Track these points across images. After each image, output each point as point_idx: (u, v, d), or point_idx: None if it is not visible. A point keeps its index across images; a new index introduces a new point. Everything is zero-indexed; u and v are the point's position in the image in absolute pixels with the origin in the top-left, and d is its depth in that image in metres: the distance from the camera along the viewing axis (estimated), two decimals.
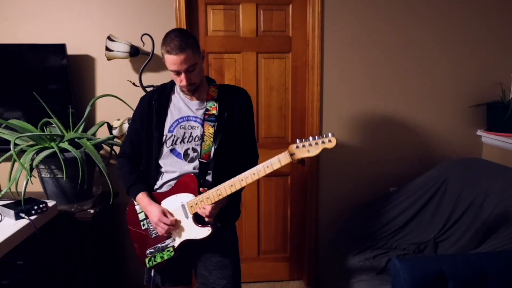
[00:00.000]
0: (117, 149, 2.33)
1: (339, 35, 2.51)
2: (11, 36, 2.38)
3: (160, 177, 1.71)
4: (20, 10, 2.38)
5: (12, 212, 1.83)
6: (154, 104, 1.69)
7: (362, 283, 2.00)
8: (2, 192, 2.02)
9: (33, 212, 1.87)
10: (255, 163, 1.62)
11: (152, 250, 1.72)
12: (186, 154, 1.66)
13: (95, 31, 2.41)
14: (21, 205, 1.88)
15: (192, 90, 1.62)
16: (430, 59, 2.58)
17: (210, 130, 1.64)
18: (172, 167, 1.67)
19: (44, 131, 2.20)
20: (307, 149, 1.46)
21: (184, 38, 1.53)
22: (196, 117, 1.67)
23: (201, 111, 1.67)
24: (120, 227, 2.57)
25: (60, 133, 2.18)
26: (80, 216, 2.18)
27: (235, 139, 1.69)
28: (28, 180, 1.96)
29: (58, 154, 1.98)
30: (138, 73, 2.39)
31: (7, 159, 2.03)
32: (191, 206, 1.62)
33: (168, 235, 1.68)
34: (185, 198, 1.63)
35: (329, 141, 1.45)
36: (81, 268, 2.23)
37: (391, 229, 2.37)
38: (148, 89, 2.36)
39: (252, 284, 2.80)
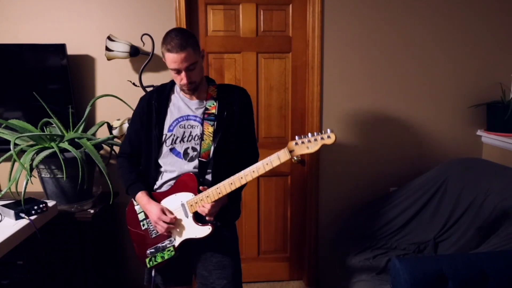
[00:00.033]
0: (117, 149, 2.33)
1: (339, 35, 2.51)
2: (11, 36, 2.38)
3: (160, 177, 1.71)
4: (20, 10, 2.38)
5: (12, 212, 1.83)
6: (154, 103, 1.70)
7: (362, 283, 2.00)
8: (2, 192, 2.02)
9: (33, 212, 1.87)
10: (255, 163, 1.62)
11: (153, 250, 1.72)
12: (186, 153, 1.66)
13: (95, 31, 2.41)
14: (21, 205, 1.88)
15: (193, 88, 1.62)
16: (430, 59, 2.58)
17: (209, 129, 1.65)
18: (172, 166, 1.67)
19: (44, 131, 2.20)
20: (306, 145, 1.46)
21: (185, 37, 1.54)
22: (195, 116, 1.67)
23: (201, 110, 1.68)
24: (120, 227, 2.57)
25: (60, 133, 2.18)
26: (80, 216, 2.18)
27: (234, 139, 1.69)
28: (28, 180, 1.96)
29: (58, 154, 1.98)
30: (138, 73, 2.39)
31: (7, 159, 2.03)
32: (191, 205, 1.62)
33: (169, 234, 1.68)
34: (185, 197, 1.64)
35: (328, 137, 1.44)
36: (81, 268, 2.23)
37: (391, 229, 2.37)
38: (148, 89, 2.36)
39: (252, 284, 2.80)
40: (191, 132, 1.66)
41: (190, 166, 1.65)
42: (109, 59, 2.35)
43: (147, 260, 1.74)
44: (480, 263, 1.55)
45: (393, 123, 2.63)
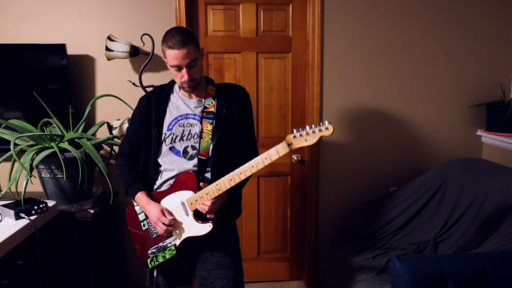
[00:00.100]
0: (117, 149, 2.33)
1: (339, 35, 2.51)
2: (11, 36, 2.38)
3: (160, 176, 1.72)
4: (20, 10, 2.38)
5: (12, 212, 1.83)
6: (153, 103, 1.70)
7: (362, 283, 2.00)
8: (2, 192, 2.02)
9: (33, 212, 1.87)
10: None
11: (154, 250, 1.71)
12: (185, 151, 1.66)
13: (95, 31, 2.41)
14: (21, 205, 1.88)
15: (193, 86, 1.63)
16: (430, 59, 2.58)
17: (208, 127, 1.65)
18: (171, 165, 1.68)
19: (44, 131, 2.20)
20: (305, 138, 1.46)
21: (185, 34, 1.57)
22: (194, 115, 1.68)
23: (200, 109, 1.69)
24: (120, 227, 2.57)
25: (60, 133, 2.18)
26: (80, 216, 2.18)
27: (233, 137, 1.70)
28: (28, 180, 1.96)
29: (58, 154, 1.98)
30: (138, 73, 2.39)
31: (7, 159, 2.03)
32: (191, 203, 1.62)
33: (169, 234, 1.68)
34: (185, 195, 1.64)
35: (326, 128, 1.44)
36: (81, 268, 2.23)
37: (391, 229, 2.37)
38: (148, 89, 2.37)
39: (252, 284, 2.80)
40: (190, 130, 1.67)
41: (190, 165, 1.66)
42: (109, 59, 2.35)
43: (148, 260, 1.73)
44: (480, 263, 1.55)
45: (393, 123, 2.63)
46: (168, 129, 1.68)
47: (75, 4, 2.39)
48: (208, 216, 1.61)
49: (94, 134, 2.34)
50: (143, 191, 1.70)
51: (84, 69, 2.45)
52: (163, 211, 1.64)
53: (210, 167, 1.65)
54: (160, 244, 1.71)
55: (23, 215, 1.84)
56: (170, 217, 1.63)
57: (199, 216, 1.64)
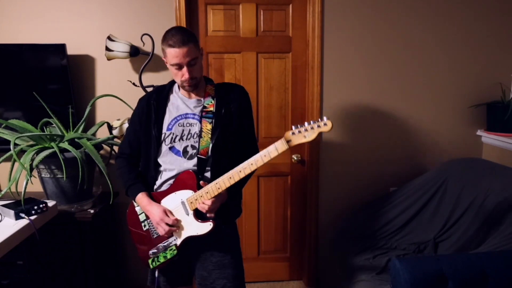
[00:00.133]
0: (117, 149, 2.33)
1: (339, 35, 2.51)
2: (11, 36, 2.38)
3: (160, 176, 1.72)
4: (20, 10, 2.38)
5: (12, 212, 1.83)
6: (153, 103, 1.71)
7: (362, 283, 2.00)
8: (2, 192, 2.02)
9: (33, 212, 1.87)
10: None
11: (155, 250, 1.71)
12: (185, 151, 1.67)
13: (95, 31, 2.41)
14: (21, 205, 1.88)
15: (193, 85, 1.64)
16: (430, 59, 2.58)
17: (207, 126, 1.65)
18: (171, 165, 1.68)
19: (44, 131, 2.20)
20: (303, 134, 1.46)
21: (186, 33, 1.58)
22: (194, 114, 1.68)
23: (199, 109, 1.69)
24: (120, 227, 2.57)
25: (60, 133, 2.18)
26: (80, 216, 2.18)
27: (233, 136, 1.70)
28: (28, 180, 1.96)
29: (58, 154, 1.98)
30: (138, 73, 2.39)
31: (7, 159, 2.03)
32: (191, 202, 1.62)
33: (170, 234, 1.68)
34: (185, 194, 1.64)
35: (325, 124, 1.43)
36: (81, 268, 2.23)
37: (391, 229, 2.37)
38: (148, 89, 2.37)
39: (252, 284, 2.80)
40: (190, 130, 1.67)
41: (190, 164, 1.66)
42: (109, 59, 2.35)
43: (149, 261, 1.73)
44: (480, 263, 1.55)
45: (393, 123, 2.63)
46: (168, 129, 1.68)
47: (75, 4, 2.39)
48: (208, 215, 1.61)
49: (94, 134, 2.34)
50: (143, 191, 1.70)
51: (84, 69, 2.45)
52: (166, 212, 1.64)
53: (210, 166, 1.65)
54: (161, 244, 1.71)
55: (23, 215, 1.84)
56: (173, 217, 1.64)
57: (199, 215, 1.64)
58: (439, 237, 2.24)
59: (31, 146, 2.09)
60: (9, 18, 2.38)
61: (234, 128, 1.69)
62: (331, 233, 2.62)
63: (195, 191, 1.61)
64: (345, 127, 2.62)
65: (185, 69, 1.58)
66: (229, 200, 1.67)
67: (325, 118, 1.43)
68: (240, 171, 1.54)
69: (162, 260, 1.70)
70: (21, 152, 2.06)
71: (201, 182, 1.60)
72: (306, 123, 1.45)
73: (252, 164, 1.53)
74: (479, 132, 2.66)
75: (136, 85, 2.40)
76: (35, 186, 2.20)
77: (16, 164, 1.98)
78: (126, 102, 2.23)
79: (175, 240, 1.68)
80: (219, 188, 1.56)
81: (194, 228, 1.64)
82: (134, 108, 1.81)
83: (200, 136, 1.65)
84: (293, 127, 1.46)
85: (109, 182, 2.10)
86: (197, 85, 1.66)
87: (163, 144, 1.68)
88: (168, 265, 1.73)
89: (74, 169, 2.06)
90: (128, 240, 2.57)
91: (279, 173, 2.71)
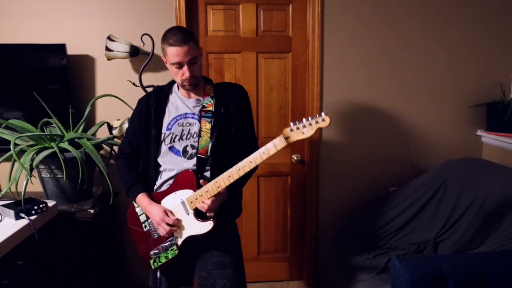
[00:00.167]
0: (117, 149, 2.33)
1: (339, 35, 2.51)
2: (11, 36, 2.38)
3: (159, 176, 1.72)
4: (20, 10, 2.38)
5: (12, 212, 1.83)
6: (152, 103, 1.71)
7: (362, 283, 2.00)
8: (2, 192, 2.02)
9: (33, 212, 1.87)
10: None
11: (156, 251, 1.71)
12: (185, 151, 1.67)
13: (95, 31, 2.41)
14: (21, 205, 1.88)
15: (194, 84, 1.64)
16: (430, 59, 2.58)
17: (207, 126, 1.65)
18: (171, 164, 1.68)
19: (44, 131, 2.20)
20: (302, 131, 1.46)
21: (186, 32, 1.60)
22: (193, 114, 1.69)
23: (198, 108, 1.70)
24: (120, 227, 2.57)
25: (60, 133, 2.18)
26: (80, 216, 2.18)
27: (232, 136, 1.70)
28: (28, 180, 1.96)
29: (58, 154, 1.98)
30: (138, 73, 2.39)
31: (7, 159, 2.03)
32: (191, 202, 1.62)
33: (171, 234, 1.68)
34: (185, 194, 1.64)
35: (323, 120, 1.43)
36: (81, 268, 2.23)
37: (391, 229, 2.37)
38: (148, 89, 2.37)
39: (252, 284, 2.80)
40: (189, 130, 1.67)
41: (189, 164, 1.66)
42: (109, 59, 2.35)
43: (151, 261, 1.73)
44: (480, 263, 1.55)
45: (393, 123, 2.63)
46: (168, 129, 1.68)
47: (75, 4, 2.39)
48: (208, 214, 1.61)
49: (94, 134, 2.34)
50: (143, 192, 1.70)
51: (84, 69, 2.45)
52: (166, 212, 1.64)
53: (210, 165, 1.65)
54: (162, 244, 1.70)
55: (23, 215, 1.84)
56: (173, 217, 1.64)
57: (199, 214, 1.64)
58: (439, 237, 2.24)
59: (31, 146, 2.09)
60: (9, 18, 2.38)
61: (233, 127, 1.70)
62: (331, 233, 2.62)
63: (195, 191, 1.61)
64: (345, 127, 2.62)
65: (185, 67, 1.59)
66: (230, 199, 1.67)
67: (323, 114, 1.43)
68: (239, 169, 1.54)
69: (163, 260, 1.70)
70: (21, 152, 2.06)
71: (201, 181, 1.60)
72: (304, 120, 1.45)
73: (251, 162, 1.53)
74: (479, 132, 2.66)
75: (136, 85, 2.40)
76: (35, 186, 2.20)
77: (16, 164, 1.98)
78: (126, 102, 2.23)
79: (176, 240, 1.68)
80: (218, 187, 1.56)
81: (195, 227, 1.64)
82: (134, 108, 1.81)
83: (199, 135, 1.65)
84: (291, 124, 1.46)
85: (109, 182, 2.10)
86: (197, 84, 1.66)
87: (163, 144, 1.68)
88: (169, 265, 1.73)
89: (74, 169, 2.06)
90: (128, 240, 2.57)
91: (279, 173, 2.71)
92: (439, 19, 2.54)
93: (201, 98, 1.71)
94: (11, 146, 1.92)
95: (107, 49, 2.32)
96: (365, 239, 2.34)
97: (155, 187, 1.74)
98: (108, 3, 2.41)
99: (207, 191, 1.58)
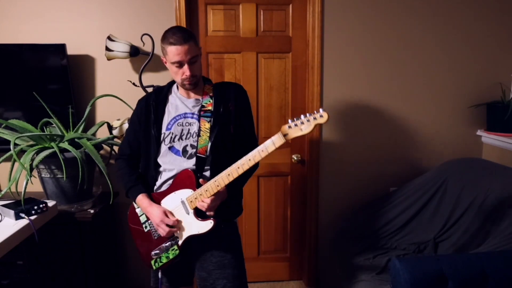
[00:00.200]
0: (117, 149, 2.33)
1: (339, 35, 2.51)
2: (11, 36, 2.38)
3: (159, 177, 1.72)
4: (20, 10, 2.38)
5: (12, 212, 1.83)
6: (152, 103, 1.72)
7: (362, 283, 2.00)
8: (2, 192, 2.02)
9: (33, 212, 1.87)
10: (257, 163, 1.63)
11: (157, 251, 1.71)
12: (184, 150, 1.67)
13: (95, 31, 2.41)
14: (21, 205, 1.88)
15: (194, 83, 1.65)
16: (430, 59, 2.58)
17: (206, 125, 1.66)
18: (171, 164, 1.68)
19: (44, 131, 2.20)
20: (300, 127, 1.45)
21: (186, 32, 1.61)
22: (192, 114, 1.69)
23: (197, 108, 1.70)
24: (120, 227, 2.57)
25: (60, 133, 2.18)
26: (80, 216, 2.18)
27: (232, 135, 1.70)
28: (28, 180, 1.96)
29: (58, 154, 1.98)
30: (138, 73, 2.39)
31: (7, 159, 2.03)
32: (191, 201, 1.62)
33: (171, 234, 1.68)
34: (184, 194, 1.64)
35: (321, 116, 1.43)
36: (81, 268, 2.23)
37: (391, 229, 2.37)
38: (148, 89, 2.37)
39: (252, 284, 2.80)
40: (189, 129, 1.67)
41: (189, 164, 1.66)
42: (109, 59, 2.35)
43: (152, 262, 1.73)
44: (480, 263, 1.55)
45: (393, 123, 2.63)
46: (167, 129, 1.68)
47: (75, 4, 2.39)
48: (207, 213, 1.60)
49: (94, 134, 2.34)
50: (144, 193, 1.70)
51: (84, 69, 2.45)
52: (166, 213, 1.64)
53: (209, 165, 1.65)
54: (163, 245, 1.70)
55: (23, 215, 1.84)
56: (173, 218, 1.64)
57: (199, 214, 1.63)
58: (439, 237, 2.24)
59: (31, 146, 2.09)
60: (9, 18, 2.38)
61: (232, 126, 1.70)
62: (331, 233, 2.62)
63: (194, 190, 1.61)
64: (345, 127, 2.62)
65: (186, 66, 1.59)
66: (230, 198, 1.66)
67: (321, 110, 1.43)
68: (238, 168, 1.54)
69: (164, 260, 1.70)
70: (21, 152, 2.06)
71: (200, 180, 1.60)
72: (302, 116, 1.45)
73: (250, 159, 1.53)
74: (479, 132, 2.66)
75: (136, 85, 2.40)
76: (35, 186, 2.20)
77: (16, 164, 1.98)
78: (126, 102, 2.23)
79: (176, 240, 1.68)
80: (218, 186, 1.56)
81: (195, 227, 1.64)
82: (134, 108, 1.81)
83: (198, 135, 1.66)
84: (289, 120, 1.46)
85: (109, 182, 2.10)
86: (197, 83, 1.67)
87: (163, 144, 1.68)
88: (170, 266, 1.73)
89: (74, 169, 2.06)
90: (128, 240, 2.57)
91: (279, 173, 2.71)
92: (439, 19, 2.54)
93: (200, 98, 1.71)
94: (11, 146, 1.92)
95: (107, 49, 2.32)
96: (365, 239, 2.34)
97: (155, 187, 1.74)
98: (108, 3, 2.41)
99: (206, 190, 1.58)
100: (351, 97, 2.58)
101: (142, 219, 1.76)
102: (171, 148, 1.68)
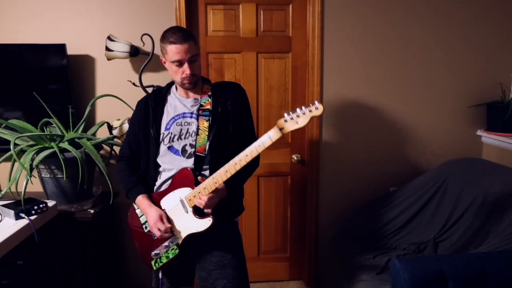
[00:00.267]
0: (117, 149, 2.33)
1: (339, 35, 2.51)
2: (11, 36, 2.38)
3: (159, 177, 1.72)
4: (20, 10, 2.38)
5: (12, 212, 1.83)
6: (151, 104, 1.73)
7: (362, 283, 2.00)
8: (2, 192, 2.02)
9: (33, 212, 1.87)
10: (257, 161, 1.63)
11: (157, 251, 1.71)
12: (184, 150, 1.67)
13: (95, 31, 2.41)
14: (21, 205, 1.88)
15: (193, 82, 1.65)
16: (430, 59, 2.58)
17: (204, 124, 1.66)
18: (170, 164, 1.68)
19: (44, 131, 2.20)
20: (296, 120, 1.45)
21: (186, 31, 1.63)
22: (191, 113, 1.70)
23: (196, 107, 1.70)
24: (120, 227, 2.57)
25: (60, 133, 2.18)
26: (80, 216, 2.18)
27: (231, 134, 1.70)
28: (28, 180, 1.96)
29: (58, 154, 1.98)
30: (138, 73, 2.39)
31: (7, 159, 2.03)
32: (190, 200, 1.62)
33: (170, 234, 1.68)
34: (183, 192, 1.64)
35: (316, 108, 1.43)
36: (81, 268, 2.23)
37: (391, 229, 2.37)
38: (148, 89, 2.37)
39: (252, 284, 2.79)
40: (188, 129, 1.68)
41: (189, 163, 1.66)
42: (109, 59, 2.35)
43: (152, 262, 1.73)
44: (480, 263, 1.55)
45: (393, 123, 2.63)
46: (166, 129, 1.69)
47: (75, 4, 2.39)
48: (205, 210, 1.60)
49: (94, 134, 2.34)
50: (143, 194, 1.71)
51: (84, 69, 2.45)
52: (162, 217, 1.64)
53: (208, 164, 1.65)
54: (163, 244, 1.70)
55: (23, 215, 1.84)
56: (167, 225, 1.63)
57: (198, 212, 1.63)
58: (439, 237, 2.24)
59: (31, 146, 2.09)
60: (9, 18, 2.38)
61: (231, 125, 1.70)
62: (331, 233, 2.62)
63: (193, 188, 1.61)
64: (345, 127, 2.62)
65: (186, 65, 1.60)
66: (229, 196, 1.66)
67: (316, 102, 1.43)
68: (235, 164, 1.54)
69: (164, 260, 1.70)
70: (21, 152, 2.06)
71: (199, 177, 1.60)
72: (298, 109, 1.45)
73: (247, 155, 1.52)
74: (479, 132, 2.66)
75: (136, 85, 2.40)
76: (35, 186, 2.20)
77: (16, 164, 1.98)
78: (126, 102, 2.23)
79: (176, 239, 1.68)
80: (216, 183, 1.56)
81: (194, 225, 1.63)
82: (134, 108, 1.81)
83: (197, 133, 1.66)
84: (285, 114, 1.46)
85: (109, 182, 2.10)
86: (196, 82, 1.68)
87: (162, 144, 1.69)
88: (170, 266, 1.72)
89: (74, 169, 2.06)
90: (128, 240, 2.57)
91: (279, 173, 2.71)
92: (439, 19, 2.54)
93: (199, 97, 1.72)
94: (11, 146, 1.92)
95: (107, 49, 2.32)
96: (365, 239, 2.34)
97: (155, 187, 1.74)
98: (108, 3, 2.41)
99: (205, 188, 1.58)
100: (351, 97, 2.58)
101: (142, 220, 1.76)
102: (170, 148, 1.68)
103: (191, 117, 1.69)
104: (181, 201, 1.64)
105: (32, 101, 2.20)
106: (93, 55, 2.44)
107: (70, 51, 2.35)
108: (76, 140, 2.14)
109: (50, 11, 2.39)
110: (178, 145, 1.67)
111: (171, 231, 1.67)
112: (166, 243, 1.69)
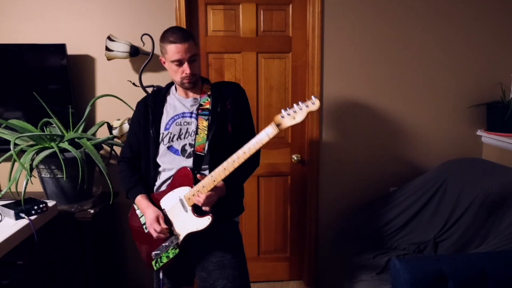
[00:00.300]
0: (117, 149, 2.34)
1: (339, 35, 2.51)
2: (11, 36, 2.38)
3: (159, 177, 1.72)
4: (20, 10, 2.38)
5: (12, 212, 1.83)
6: (150, 104, 1.73)
7: (362, 283, 2.00)
8: (2, 192, 2.02)
9: (33, 212, 1.87)
10: (257, 161, 1.62)
11: (158, 251, 1.71)
12: (183, 150, 1.67)
13: (95, 31, 2.41)
14: (21, 205, 1.88)
15: (193, 82, 1.66)
16: (430, 59, 2.58)
17: (203, 123, 1.66)
18: (170, 164, 1.68)
19: (44, 131, 2.20)
20: (293, 116, 1.45)
21: (185, 31, 1.64)
22: (191, 113, 1.70)
23: (195, 107, 1.71)
24: (120, 227, 2.57)
25: (60, 133, 2.18)
26: (80, 216, 2.18)
27: (230, 134, 1.70)
28: (28, 180, 1.96)
29: (58, 154, 1.98)
30: (138, 73, 2.39)
31: (7, 159, 2.03)
32: (189, 198, 1.62)
33: (170, 234, 1.68)
34: (182, 191, 1.64)
35: (313, 103, 1.43)
36: (81, 268, 2.23)
37: (391, 229, 2.37)
38: (148, 89, 2.37)
39: (252, 284, 2.77)
40: (187, 129, 1.68)
41: (188, 163, 1.66)
42: (109, 59, 2.35)
43: (153, 262, 1.73)
44: (480, 263, 1.55)
45: (393, 123, 2.63)
46: (166, 129, 1.69)
47: (75, 4, 2.39)
48: (203, 208, 1.60)
49: (94, 134, 2.34)
50: (143, 194, 1.71)
51: (84, 69, 2.45)
52: (158, 218, 1.64)
53: (208, 163, 1.65)
54: (163, 244, 1.70)
55: (23, 215, 1.84)
56: (163, 226, 1.63)
57: (197, 211, 1.63)
58: (439, 237, 2.24)
59: (31, 146, 2.09)
60: (9, 18, 2.38)
61: (230, 125, 1.70)
62: (331, 233, 2.62)
63: (192, 187, 1.61)
64: (345, 127, 2.62)
65: (186, 65, 1.61)
66: (229, 195, 1.66)
67: (313, 97, 1.43)
68: (233, 161, 1.53)
69: (165, 260, 1.70)
70: (21, 152, 2.06)
71: (198, 175, 1.60)
72: (294, 105, 1.45)
73: (245, 152, 1.52)
74: (479, 132, 2.66)
75: (136, 85, 2.40)
76: (35, 186, 2.20)
77: (16, 164, 1.98)
78: (126, 102, 2.23)
79: (176, 239, 1.68)
80: (214, 181, 1.56)
81: (194, 224, 1.63)
82: (134, 108, 1.81)
83: (196, 133, 1.66)
84: (282, 110, 1.46)
85: (109, 182, 2.10)
86: (196, 82, 1.68)
87: (161, 144, 1.69)
88: (171, 265, 1.72)
89: (74, 169, 2.06)
90: (128, 240, 2.57)
91: (279, 173, 2.71)
92: (439, 19, 2.54)
93: (198, 97, 1.72)
94: (11, 146, 1.92)
95: (107, 49, 2.32)
96: (365, 239, 2.34)
97: (155, 187, 1.74)
98: (108, 3, 2.41)
99: (203, 186, 1.57)
100: (351, 97, 2.58)
101: (142, 220, 1.76)
102: (170, 148, 1.68)
103: (190, 116, 1.69)
104: (180, 200, 1.64)
105: (32, 101, 2.20)
106: (93, 55, 2.44)
107: (70, 51, 2.35)
108: (76, 140, 2.14)
109: (50, 11, 2.39)
110: (177, 145, 1.67)
111: (171, 231, 1.67)
112: (166, 243, 1.69)
